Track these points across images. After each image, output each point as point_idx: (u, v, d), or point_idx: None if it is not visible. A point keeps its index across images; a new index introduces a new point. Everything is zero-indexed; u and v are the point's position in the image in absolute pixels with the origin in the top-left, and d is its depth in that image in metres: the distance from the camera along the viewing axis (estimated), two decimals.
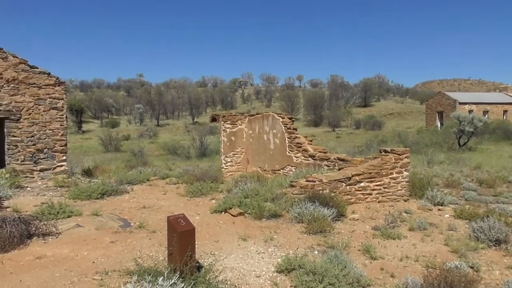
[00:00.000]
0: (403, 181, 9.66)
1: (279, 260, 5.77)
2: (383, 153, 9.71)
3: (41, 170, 12.69)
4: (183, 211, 8.73)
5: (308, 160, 11.93)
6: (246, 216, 8.10)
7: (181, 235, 4.92)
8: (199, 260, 5.49)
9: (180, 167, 17.77)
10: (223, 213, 8.45)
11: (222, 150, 15.27)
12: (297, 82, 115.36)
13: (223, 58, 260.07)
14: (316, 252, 6.24)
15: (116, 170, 15.43)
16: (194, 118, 68.00)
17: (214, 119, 16.27)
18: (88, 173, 15.05)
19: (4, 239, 5.91)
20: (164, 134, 50.55)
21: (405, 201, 9.59)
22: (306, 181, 8.91)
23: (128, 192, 11.07)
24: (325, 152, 11.80)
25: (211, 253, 6.06)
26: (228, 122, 15.14)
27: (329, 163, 11.14)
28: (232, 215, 8.16)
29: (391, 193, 9.50)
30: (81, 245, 6.34)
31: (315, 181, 8.76)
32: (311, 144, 12.56)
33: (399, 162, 9.57)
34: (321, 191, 8.47)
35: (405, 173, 9.70)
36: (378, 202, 9.32)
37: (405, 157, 9.67)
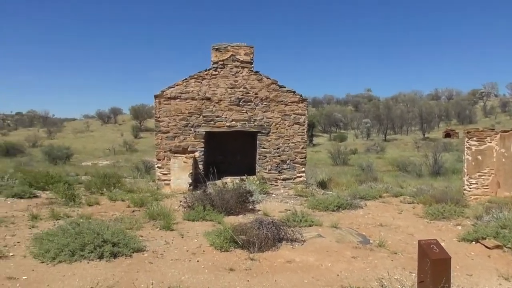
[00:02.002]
0: None
1: None
2: None
3: (284, 179, 14.06)
4: (424, 234, 8.09)
5: None
6: (505, 251, 6.86)
7: (435, 263, 4.48)
8: None
9: (411, 185, 16.74)
10: (473, 242, 7.39)
11: (466, 170, 13.55)
12: None
13: (459, 68, 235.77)
14: None
15: (348, 184, 15.72)
16: (424, 133, 63.64)
17: (448, 134, 14.89)
18: (322, 184, 15.84)
19: (261, 240, 6.66)
20: (392, 149, 48.99)
21: None
22: None
23: (362, 208, 11.03)
24: None
25: None
26: (474, 138, 13.34)
27: None
28: (486, 246, 7.04)
29: None
30: (324, 255, 6.57)
31: None
32: None
33: None
34: None
35: None
36: None
37: None
